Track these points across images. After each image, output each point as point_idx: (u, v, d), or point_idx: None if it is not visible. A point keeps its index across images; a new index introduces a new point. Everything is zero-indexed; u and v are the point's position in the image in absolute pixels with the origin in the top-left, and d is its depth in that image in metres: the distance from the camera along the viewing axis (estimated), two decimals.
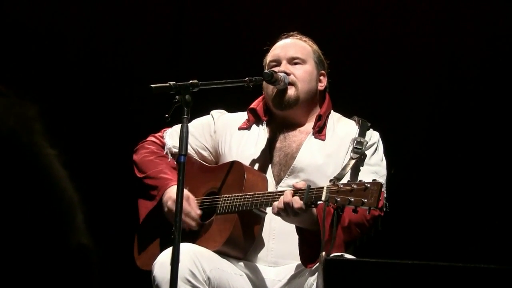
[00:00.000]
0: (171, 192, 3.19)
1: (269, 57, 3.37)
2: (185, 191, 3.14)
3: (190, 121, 2.96)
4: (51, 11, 4.57)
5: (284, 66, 3.29)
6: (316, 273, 2.91)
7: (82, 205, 0.94)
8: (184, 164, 2.79)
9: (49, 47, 4.56)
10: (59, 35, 4.58)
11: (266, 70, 3.25)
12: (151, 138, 3.45)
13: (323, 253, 2.66)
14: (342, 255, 2.98)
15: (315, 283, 2.92)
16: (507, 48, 4.33)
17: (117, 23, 4.61)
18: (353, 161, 3.12)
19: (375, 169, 3.16)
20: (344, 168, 3.11)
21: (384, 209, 3.11)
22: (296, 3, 4.53)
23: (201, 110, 3.40)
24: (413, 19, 4.42)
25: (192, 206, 3.20)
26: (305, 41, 3.39)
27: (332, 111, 3.36)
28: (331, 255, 2.90)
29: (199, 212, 3.21)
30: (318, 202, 2.93)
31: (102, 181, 4.41)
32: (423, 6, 4.41)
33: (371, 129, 3.27)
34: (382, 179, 3.13)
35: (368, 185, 2.84)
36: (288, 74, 3.27)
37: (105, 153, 4.48)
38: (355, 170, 3.11)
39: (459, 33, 4.37)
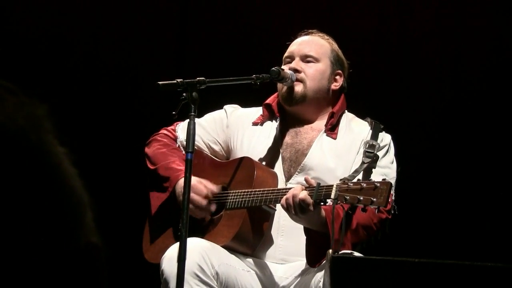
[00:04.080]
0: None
1: (286, 52, 3.37)
2: (196, 178, 3.15)
3: (200, 116, 2.96)
4: (59, 11, 4.58)
5: (296, 62, 3.30)
6: (324, 270, 2.91)
7: (92, 204, 0.95)
8: (191, 161, 2.79)
9: (57, 47, 4.57)
10: (67, 35, 4.60)
11: (273, 68, 3.24)
12: (163, 131, 3.45)
13: (330, 250, 2.66)
14: (350, 252, 2.98)
15: (322, 280, 2.93)
16: None
17: (123, 22, 4.62)
18: (365, 165, 3.11)
19: (384, 171, 3.14)
20: (355, 171, 3.09)
21: (392, 212, 3.11)
22: (304, 2, 4.52)
23: (210, 107, 3.40)
24: (419, 21, 4.41)
25: (208, 186, 3.19)
26: (325, 39, 3.37)
27: (346, 111, 3.35)
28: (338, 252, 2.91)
29: (215, 189, 3.20)
30: (327, 200, 2.93)
31: (112, 179, 4.42)
32: (430, 9, 4.40)
33: (383, 131, 3.26)
34: (391, 182, 3.12)
35: (378, 185, 2.83)
36: (298, 71, 3.27)
37: (114, 151, 4.49)
38: (366, 172, 3.10)
39: (467, 36, 4.36)
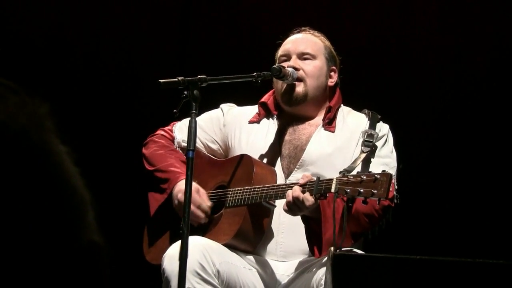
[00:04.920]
0: (182, 185, 3.18)
1: (280, 51, 3.37)
2: (195, 184, 3.15)
3: (198, 115, 2.96)
4: (60, 11, 4.58)
5: (294, 61, 3.30)
6: (325, 268, 2.92)
7: (93, 202, 0.95)
8: (193, 159, 2.79)
9: (58, 46, 4.57)
10: (68, 34, 4.59)
11: (274, 65, 3.25)
12: (160, 131, 3.46)
13: (332, 248, 2.67)
14: (350, 249, 2.99)
15: (324, 278, 2.93)
16: None
17: (124, 21, 4.61)
18: (364, 155, 3.12)
19: (385, 160, 3.16)
20: (354, 161, 3.11)
21: (395, 200, 3.11)
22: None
23: (209, 105, 3.40)
24: (421, 15, 4.41)
25: (203, 198, 3.20)
26: (317, 36, 3.38)
27: (342, 105, 3.36)
28: (340, 249, 2.91)
29: (209, 204, 3.22)
30: (328, 194, 2.94)
31: (113, 178, 4.42)
32: (432, 6, 4.40)
33: (381, 121, 3.27)
34: (393, 171, 3.13)
35: (378, 176, 2.84)
36: (297, 69, 3.27)
37: (116, 150, 4.49)
38: (366, 162, 3.11)
39: (468, 29, 4.36)
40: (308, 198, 2.93)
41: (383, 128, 3.26)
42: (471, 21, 4.35)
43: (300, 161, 3.22)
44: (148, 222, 3.39)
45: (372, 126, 3.23)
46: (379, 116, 3.28)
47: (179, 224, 3.01)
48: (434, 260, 2.34)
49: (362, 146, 3.16)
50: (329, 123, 3.28)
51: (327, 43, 3.39)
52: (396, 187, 3.12)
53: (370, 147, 3.14)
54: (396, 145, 3.28)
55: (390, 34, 4.44)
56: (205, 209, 3.19)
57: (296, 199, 2.94)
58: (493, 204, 4.28)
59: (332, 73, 3.37)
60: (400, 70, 4.43)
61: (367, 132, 3.19)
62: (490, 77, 4.36)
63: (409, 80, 4.42)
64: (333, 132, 3.27)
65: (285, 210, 3.01)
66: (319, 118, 3.32)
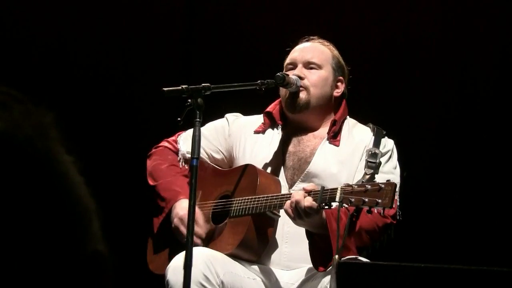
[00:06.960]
0: (179, 207, 3.19)
1: (287, 59, 3.36)
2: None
3: (203, 124, 2.96)
4: (64, 18, 4.59)
5: (299, 70, 3.29)
6: (330, 276, 2.91)
7: (98, 212, 0.94)
8: (197, 168, 2.79)
9: (63, 55, 4.58)
10: (72, 43, 4.60)
11: (278, 73, 3.24)
12: (164, 143, 3.44)
13: (336, 256, 2.66)
14: (355, 258, 2.98)
15: (328, 286, 2.92)
16: None
17: (129, 28, 4.62)
18: (367, 176, 3.08)
19: (388, 176, 3.12)
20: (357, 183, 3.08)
21: (398, 217, 3.10)
22: (308, 8, 4.52)
23: (214, 113, 3.40)
24: (424, 25, 4.41)
25: (198, 223, 3.18)
26: (325, 45, 3.36)
27: (348, 117, 3.34)
28: (344, 258, 2.90)
29: (204, 229, 3.20)
30: (332, 203, 2.93)
31: (118, 187, 4.42)
32: (435, 13, 4.40)
33: (386, 137, 3.25)
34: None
35: (382, 186, 2.84)
36: (302, 78, 3.27)
37: (121, 159, 4.49)
38: (369, 179, 3.09)
39: (472, 40, 4.36)
40: (309, 200, 2.91)
41: (387, 144, 3.24)
42: (476, 28, 4.34)
43: (305, 173, 3.21)
44: (151, 234, 3.38)
45: (377, 142, 3.20)
46: (384, 132, 3.26)
47: (181, 239, 3.03)
48: (439, 268, 2.34)
49: (365, 167, 3.12)
50: (334, 137, 3.26)
51: (336, 52, 3.36)
52: (398, 203, 3.10)
53: (373, 168, 3.11)
54: (401, 152, 3.27)
55: (393, 41, 4.44)
56: (199, 234, 3.17)
57: (297, 203, 2.92)
58: (496, 212, 4.27)
59: (339, 84, 3.34)
60: (404, 77, 4.43)
61: (370, 151, 3.16)
62: (495, 85, 4.35)
63: (412, 88, 4.42)
64: (337, 146, 3.25)
65: (288, 214, 2.98)
66: (324, 130, 3.30)
